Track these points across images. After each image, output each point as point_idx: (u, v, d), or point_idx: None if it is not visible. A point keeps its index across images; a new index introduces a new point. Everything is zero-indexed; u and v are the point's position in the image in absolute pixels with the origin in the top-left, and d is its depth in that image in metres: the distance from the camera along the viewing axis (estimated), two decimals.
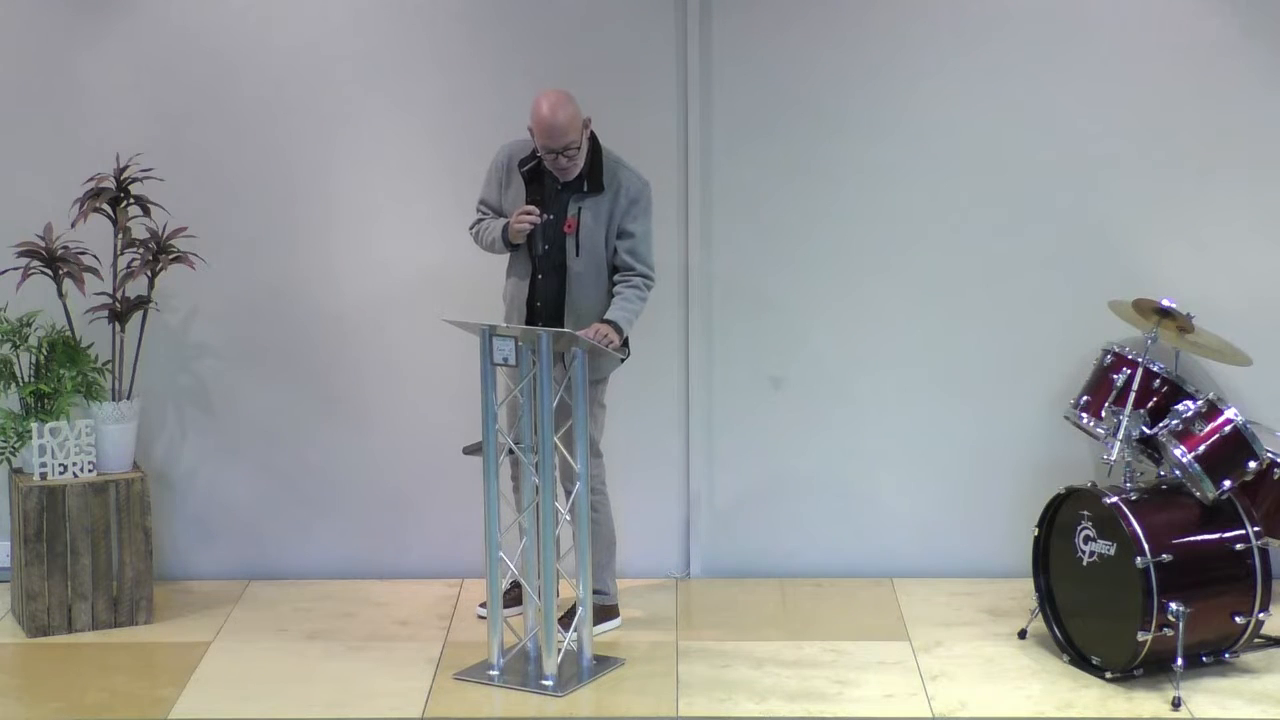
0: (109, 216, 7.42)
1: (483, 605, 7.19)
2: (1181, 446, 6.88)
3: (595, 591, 7.17)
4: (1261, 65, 7.60)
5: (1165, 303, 7.13)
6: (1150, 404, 7.11)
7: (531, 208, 7.02)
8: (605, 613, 7.29)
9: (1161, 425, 7.00)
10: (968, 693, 6.76)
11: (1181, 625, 6.65)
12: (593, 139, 7.09)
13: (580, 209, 7.07)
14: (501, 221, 7.11)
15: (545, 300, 7.13)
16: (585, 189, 7.07)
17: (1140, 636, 6.67)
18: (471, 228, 7.25)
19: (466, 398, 7.35)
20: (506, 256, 7.22)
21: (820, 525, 7.87)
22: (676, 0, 7.62)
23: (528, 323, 7.10)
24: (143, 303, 7.52)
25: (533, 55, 7.64)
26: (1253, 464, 6.89)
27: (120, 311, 7.48)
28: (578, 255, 7.07)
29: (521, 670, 6.90)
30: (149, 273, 7.45)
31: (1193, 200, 7.67)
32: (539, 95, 6.98)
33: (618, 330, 6.99)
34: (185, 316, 7.81)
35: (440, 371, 7.75)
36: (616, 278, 7.12)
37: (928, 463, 7.82)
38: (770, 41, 7.64)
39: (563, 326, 7.04)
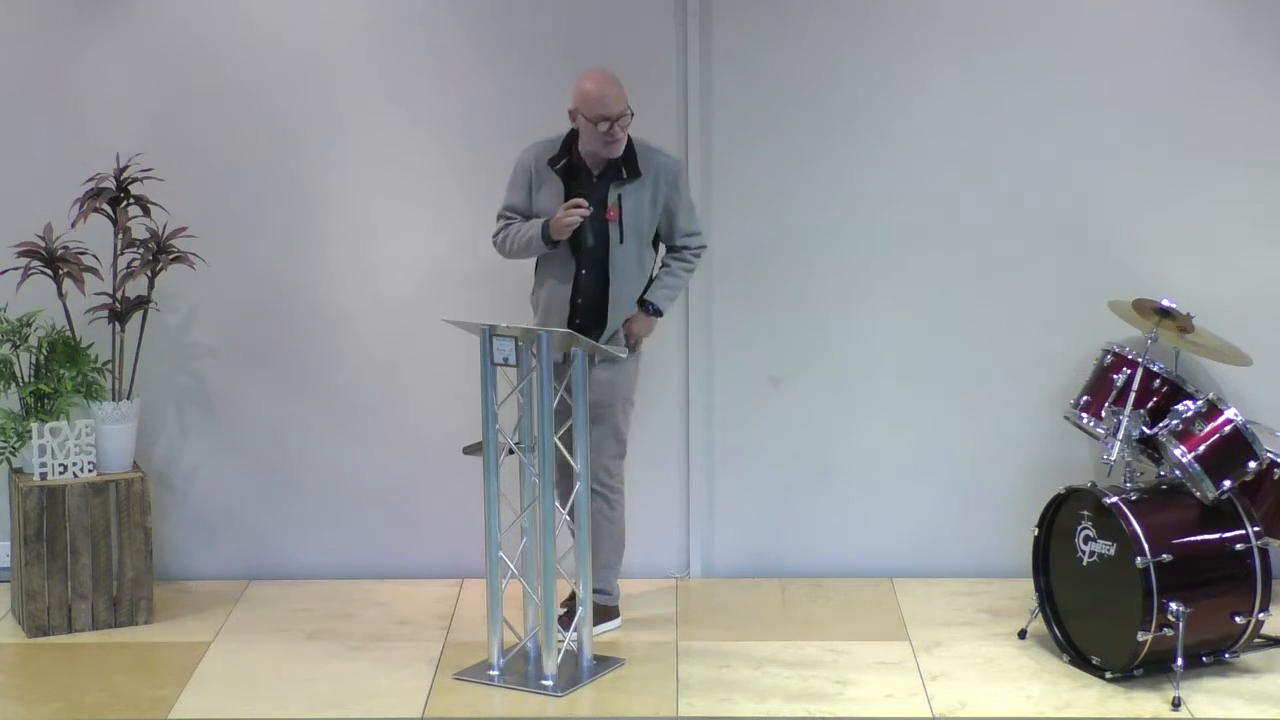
0: (109, 216, 7.42)
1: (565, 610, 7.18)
2: (1181, 446, 6.88)
3: (598, 591, 7.17)
4: (1261, 65, 7.60)
5: (1165, 303, 7.13)
6: (1150, 404, 7.11)
7: (579, 200, 6.98)
8: (606, 613, 7.28)
9: (1161, 425, 7.00)
10: (968, 693, 6.76)
11: (1181, 625, 6.65)
12: None
13: (620, 195, 7.06)
14: (537, 222, 7.05)
15: (587, 294, 7.11)
16: (624, 175, 7.07)
17: (1140, 636, 6.67)
18: (496, 235, 7.16)
19: (467, 398, 7.35)
20: (520, 261, 7.19)
21: (820, 525, 7.87)
22: (677, 0, 7.63)
23: (570, 320, 7.08)
24: (143, 303, 7.52)
25: (533, 55, 7.64)
26: (1253, 464, 6.89)
27: (120, 311, 7.48)
28: (621, 242, 7.07)
29: (521, 670, 6.90)
30: (149, 273, 7.45)
31: (1193, 200, 7.67)
32: (580, 75, 6.98)
33: (658, 313, 7.17)
34: (185, 316, 7.81)
35: (440, 371, 7.75)
36: (667, 256, 7.19)
37: (927, 462, 7.82)
38: (770, 41, 7.63)
39: (605, 320, 7.07)
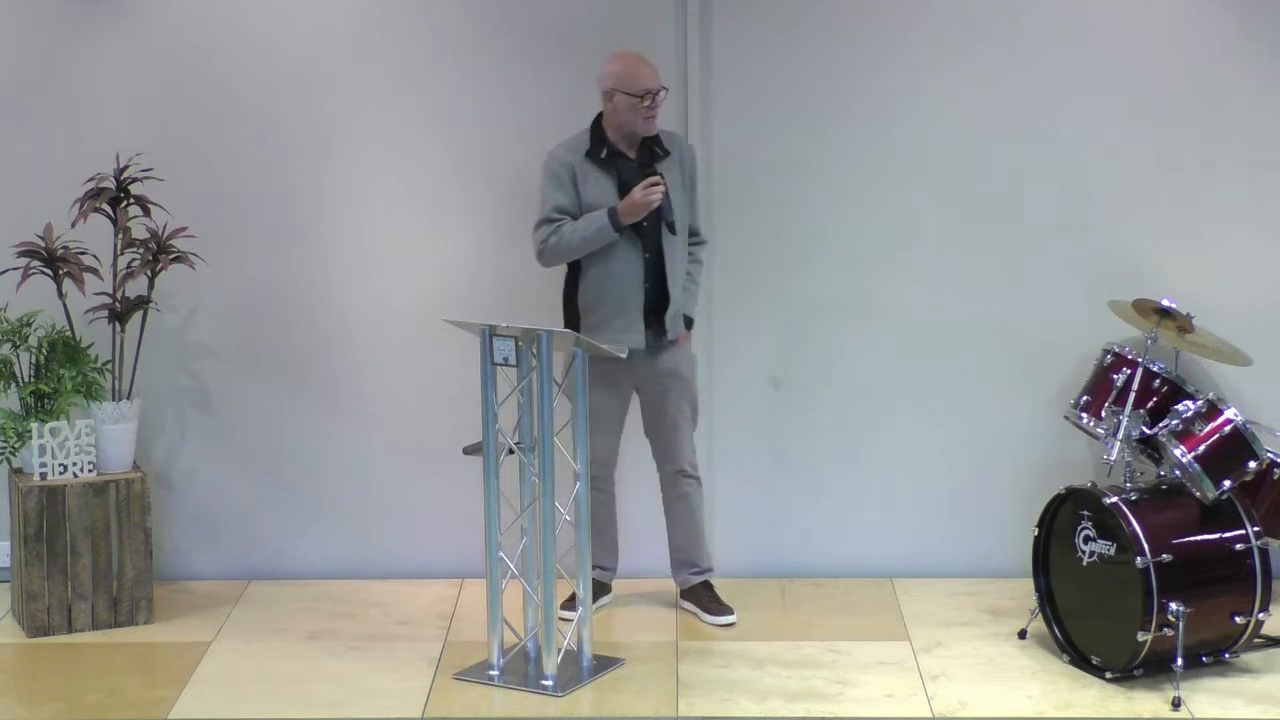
0: (109, 216, 7.42)
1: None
2: (1181, 446, 6.88)
3: (710, 570, 7.42)
4: (1261, 65, 7.60)
5: (1165, 303, 7.13)
6: (1150, 404, 7.11)
7: (656, 178, 7.02)
8: (719, 602, 7.42)
9: (1161, 425, 7.00)
10: (968, 693, 6.76)
11: (1181, 625, 6.65)
12: None
13: (660, 174, 7.11)
14: (599, 213, 7.02)
15: (650, 277, 7.15)
16: (659, 153, 7.14)
17: (1140, 636, 6.67)
18: (547, 239, 7.07)
19: (467, 398, 7.35)
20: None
21: (820, 525, 7.87)
22: (676, 0, 7.63)
23: (645, 305, 7.12)
24: (143, 303, 7.52)
25: (533, 56, 7.64)
26: (1253, 464, 6.89)
27: (120, 311, 7.48)
28: (672, 218, 7.14)
29: (521, 670, 6.90)
30: (149, 273, 7.45)
31: (1193, 200, 7.67)
32: (610, 58, 7.07)
33: (690, 322, 7.31)
34: (185, 316, 7.81)
35: (440, 371, 7.75)
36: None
37: (928, 463, 7.82)
38: (770, 41, 7.63)
39: (669, 298, 7.12)
